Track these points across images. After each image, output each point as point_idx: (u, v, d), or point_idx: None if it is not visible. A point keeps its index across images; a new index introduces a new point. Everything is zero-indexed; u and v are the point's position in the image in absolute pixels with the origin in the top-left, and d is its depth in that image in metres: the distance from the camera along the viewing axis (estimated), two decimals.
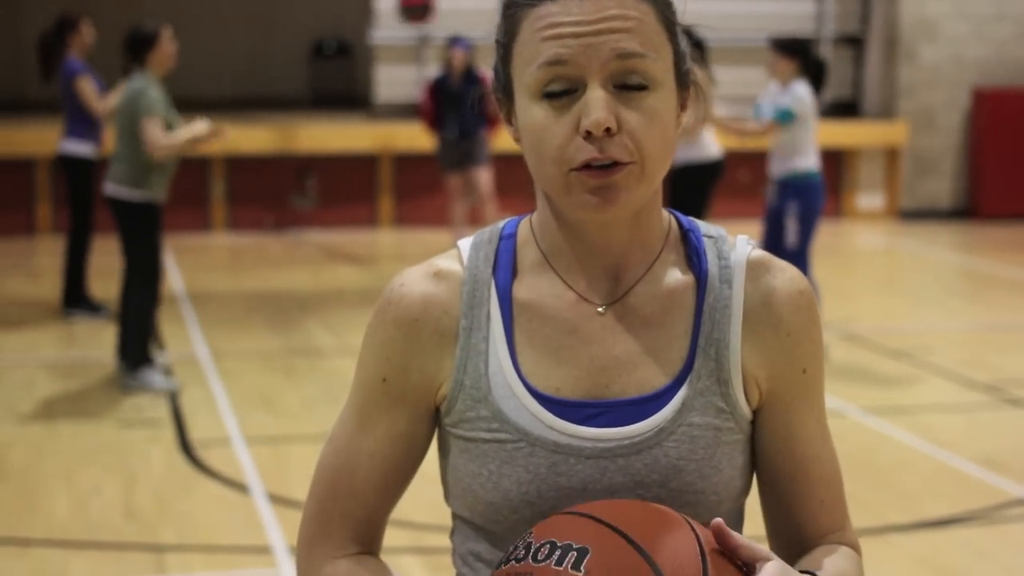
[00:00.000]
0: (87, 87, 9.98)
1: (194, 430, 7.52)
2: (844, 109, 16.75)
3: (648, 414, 1.80)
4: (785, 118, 8.88)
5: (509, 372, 1.81)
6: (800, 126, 8.95)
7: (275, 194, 15.12)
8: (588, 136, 1.71)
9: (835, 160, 15.75)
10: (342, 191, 15.23)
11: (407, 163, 15.04)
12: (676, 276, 1.85)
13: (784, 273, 1.85)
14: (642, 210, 1.81)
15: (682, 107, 1.82)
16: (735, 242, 1.87)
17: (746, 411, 1.84)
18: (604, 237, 1.81)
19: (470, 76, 12.59)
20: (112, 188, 8.19)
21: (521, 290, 1.84)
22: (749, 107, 9.86)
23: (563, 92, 1.73)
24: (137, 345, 8.28)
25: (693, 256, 1.86)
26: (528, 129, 1.77)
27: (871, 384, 8.42)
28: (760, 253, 1.87)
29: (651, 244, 1.84)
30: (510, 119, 1.84)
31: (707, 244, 1.86)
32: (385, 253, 14.16)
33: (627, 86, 1.73)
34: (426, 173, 14.37)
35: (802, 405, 1.87)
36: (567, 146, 1.72)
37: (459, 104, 12.50)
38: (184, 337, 9.71)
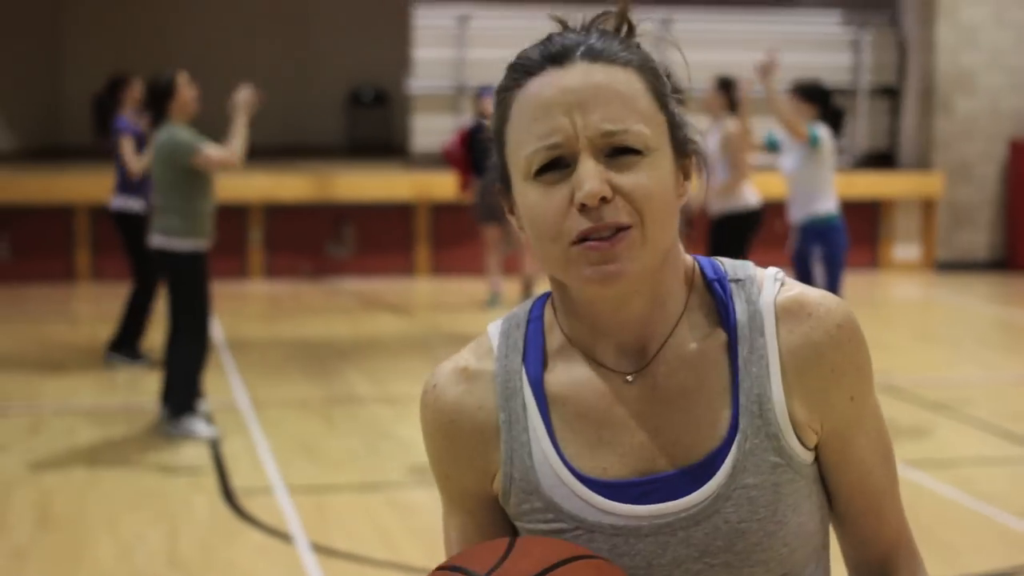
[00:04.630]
0: (127, 147, 10.15)
1: (236, 478, 7.55)
2: (880, 160, 16.77)
3: (701, 482, 1.76)
4: (813, 138, 8.86)
5: (554, 461, 1.79)
6: (818, 168, 8.95)
7: (312, 242, 15.19)
8: (583, 208, 1.68)
9: (871, 211, 15.77)
10: (379, 239, 15.30)
11: (444, 212, 15.10)
12: (704, 334, 1.80)
13: (818, 309, 1.78)
14: (657, 281, 1.77)
15: (685, 176, 1.78)
16: (763, 282, 1.82)
17: (804, 457, 1.79)
18: (620, 315, 1.77)
19: None
20: (159, 240, 8.25)
21: (551, 378, 1.82)
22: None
23: (555, 169, 1.71)
24: (183, 394, 8.32)
25: (720, 309, 1.80)
26: (526, 210, 1.74)
27: (910, 436, 8.41)
28: (789, 293, 1.80)
29: (672, 305, 1.79)
30: (512, 209, 1.81)
31: (734, 290, 1.81)
32: (422, 302, 14.20)
33: (619, 154, 1.70)
34: (463, 222, 14.42)
35: (852, 430, 1.82)
36: (563, 220, 1.69)
37: None
38: (224, 385, 9.75)
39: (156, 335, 10.03)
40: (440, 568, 1.67)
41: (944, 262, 16.29)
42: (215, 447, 8.13)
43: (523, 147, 1.72)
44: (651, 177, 1.70)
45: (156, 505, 7.10)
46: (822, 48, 16.66)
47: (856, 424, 1.82)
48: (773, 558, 1.77)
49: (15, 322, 12.52)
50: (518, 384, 1.82)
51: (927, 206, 16.25)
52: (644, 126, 1.71)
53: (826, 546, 1.88)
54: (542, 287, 12.26)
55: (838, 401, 1.80)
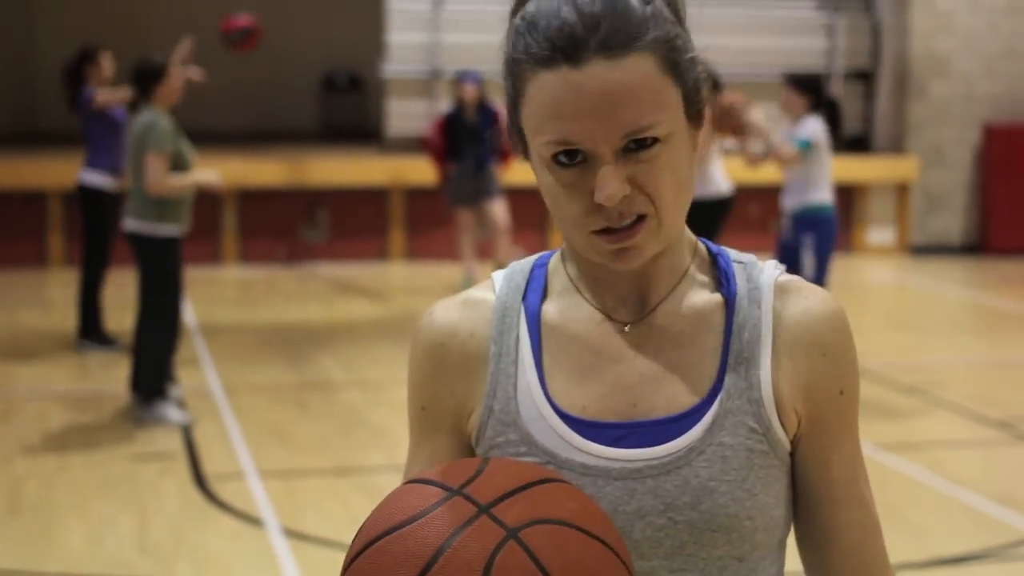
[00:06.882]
0: (105, 93, 10.07)
1: (208, 463, 7.53)
2: (854, 144, 16.76)
3: (677, 434, 1.77)
4: (806, 147, 8.88)
5: (537, 393, 1.81)
6: (814, 159, 8.97)
7: (286, 227, 15.15)
8: (602, 206, 1.69)
9: (846, 195, 15.77)
10: (353, 224, 15.27)
11: (418, 196, 15.07)
12: (704, 296, 1.83)
13: (816, 294, 1.83)
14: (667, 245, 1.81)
15: (698, 124, 1.78)
16: (764, 267, 1.86)
17: (781, 436, 1.80)
18: (629, 270, 1.81)
19: (484, 109, 12.63)
20: (133, 224, 8.21)
21: (549, 312, 1.85)
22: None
23: (571, 158, 1.69)
24: (152, 379, 8.29)
25: (722, 278, 1.84)
26: (544, 187, 1.75)
27: (883, 420, 8.41)
28: (789, 276, 1.85)
29: (677, 265, 1.83)
30: (527, 155, 1.80)
31: (736, 268, 1.85)
32: (396, 287, 14.17)
33: (638, 147, 1.69)
34: (438, 207, 14.40)
35: (839, 427, 1.83)
36: (585, 214, 1.70)
37: (476, 138, 12.53)
38: (196, 370, 9.72)
39: (127, 320, 9.99)
40: (411, 481, 1.64)
41: (918, 246, 16.33)
42: (187, 432, 8.10)
43: (540, 134, 1.71)
44: (668, 165, 1.71)
45: (127, 491, 7.07)
46: (796, 32, 16.66)
47: (843, 422, 1.83)
48: (735, 528, 1.76)
49: None
50: (515, 320, 1.84)
51: (901, 190, 16.28)
52: (663, 114, 1.70)
53: (782, 553, 1.86)
54: None
55: (827, 390, 1.81)
